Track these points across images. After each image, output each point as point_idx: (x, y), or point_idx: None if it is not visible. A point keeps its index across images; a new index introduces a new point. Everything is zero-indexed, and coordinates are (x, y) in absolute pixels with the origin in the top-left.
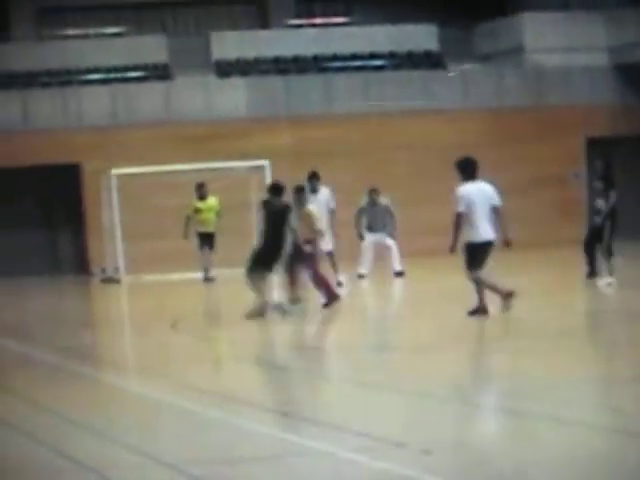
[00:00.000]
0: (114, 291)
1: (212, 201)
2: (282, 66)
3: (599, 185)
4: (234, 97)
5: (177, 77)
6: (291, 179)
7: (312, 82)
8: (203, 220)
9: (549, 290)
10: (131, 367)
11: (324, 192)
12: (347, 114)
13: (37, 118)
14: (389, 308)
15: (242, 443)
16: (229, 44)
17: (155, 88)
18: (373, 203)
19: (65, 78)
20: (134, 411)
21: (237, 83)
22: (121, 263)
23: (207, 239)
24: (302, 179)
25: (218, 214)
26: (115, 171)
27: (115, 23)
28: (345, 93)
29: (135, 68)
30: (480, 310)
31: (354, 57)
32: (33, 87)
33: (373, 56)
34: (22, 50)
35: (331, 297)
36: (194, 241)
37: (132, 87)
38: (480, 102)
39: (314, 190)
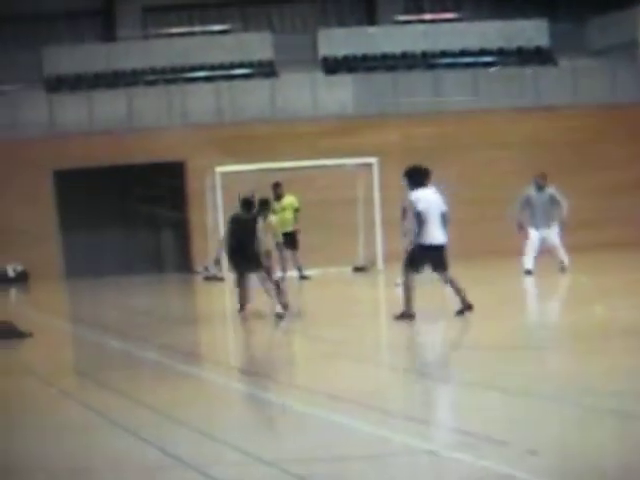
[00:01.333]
0: (217, 289)
1: (289, 200)
2: (390, 63)
3: None
4: (341, 94)
5: (283, 74)
6: (398, 177)
7: (420, 79)
8: (280, 220)
9: None
10: (234, 365)
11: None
12: (456, 111)
13: (142, 116)
14: (500, 304)
15: (345, 442)
16: (336, 41)
17: (261, 85)
18: (540, 190)
19: (170, 76)
20: (236, 409)
21: (344, 80)
22: (224, 261)
23: (286, 239)
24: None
25: (296, 212)
26: (220, 169)
27: (220, 20)
28: (454, 90)
29: (240, 65)
30: (465, 308)
31: (463, 53)
32: (138, 85)
33: (483, 52)
34: (127, 49)
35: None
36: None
37: (237, 84)
38: (592, 98)
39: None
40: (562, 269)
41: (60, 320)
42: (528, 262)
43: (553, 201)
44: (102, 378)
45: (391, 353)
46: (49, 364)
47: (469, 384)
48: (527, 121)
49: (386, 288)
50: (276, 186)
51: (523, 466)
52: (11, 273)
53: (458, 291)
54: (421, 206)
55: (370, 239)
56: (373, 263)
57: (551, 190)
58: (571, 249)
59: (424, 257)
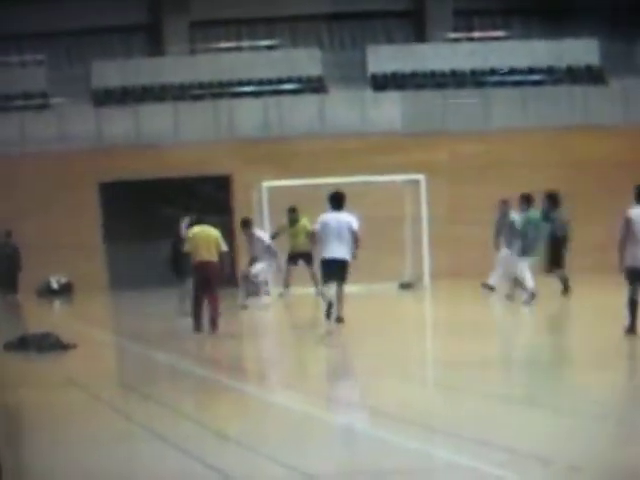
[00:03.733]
0: (260, 304)
1: (302, 223)
2: (439, 80)
3: None
4: (390, 111)
5: (332, 90)
6: (446, 194)
7: (469, 96)
8: (295, 244)
9: None
10: (275, 379)
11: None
12: (505, 129)
13: (188, 130)
14: (534, 324)
15: (386, 456)
16: (385, 57)
17: (309, 101)
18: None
19: (217, 90)
20: (279, 423)
21: (393, 97)
22: (270, 277)
23: (302, 258)
24: (457, 193)
25: (308, 234)
26: (266, 183)
27: (269, 36)
28: (503, 108)
29: (289, 81)
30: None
31: (512, 72)
32: (185, 99)
33: (532, 71)
34: (175, 63)
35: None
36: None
37: (285, 100)
38: None
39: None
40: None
41: (104, 332)
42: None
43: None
44: (146, 390)
45: (434, 369)
46: (93, 376)
47: (511, 400)
48: (576, 140)
49: (432, 304)
50: (291, 211)
51: None
52: (55, 285)
53: (339, 302)
54: (317, 227)
55: (417, 256)
56: (420, 279)
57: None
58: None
59: (325, 269)
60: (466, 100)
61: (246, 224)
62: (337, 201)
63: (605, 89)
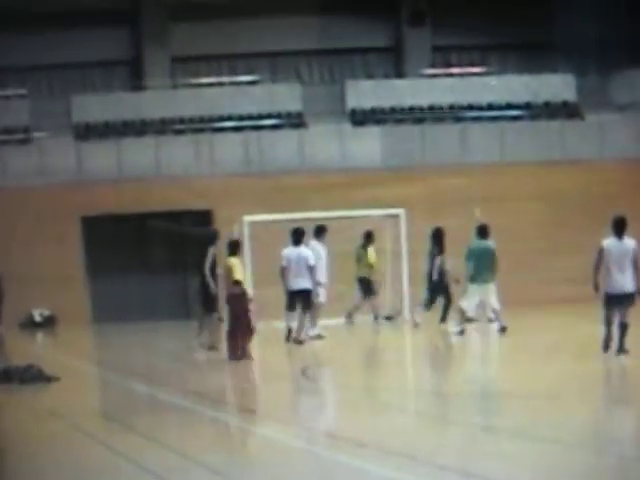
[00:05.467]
0: None
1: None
2: (417, 115)
3: None
4: (369, 146)
5: (311, 125)
6: (424, 228)
7: (447, 131)
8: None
9: None
10: (256, 410)
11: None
12: (483, 164)
13: (170, 165)
14: (515, 355)
15: None
16: (364, 93)
17: (289, 136)
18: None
19: (198, 125)
20: (262, 455)
21: (372, 132)
22: (252, 308)
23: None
24: (434, 227)
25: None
26: (248, 218)
27: (249, 71)
28: (480, 143)
29: (269, 116)
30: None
31: (490, 107)
32: (166, 134)
33: (510, 106)
34: (156, 98)
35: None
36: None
37: (266, 135)
38: (618, 153)
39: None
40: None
41: (87, 364)
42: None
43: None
44: (129, 422)
45: (414, 399)
46: (76, 408)
47: (496, 431)
48: (554, 174)
49: (412, 336)
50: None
51: None
52: (37, 318)
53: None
54: (283, 262)
55: (397, 289)
56: (400, 312)
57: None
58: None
59: (290, 299)
60: (445, 135)
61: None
62: (297, 236)
63: (582, 124)
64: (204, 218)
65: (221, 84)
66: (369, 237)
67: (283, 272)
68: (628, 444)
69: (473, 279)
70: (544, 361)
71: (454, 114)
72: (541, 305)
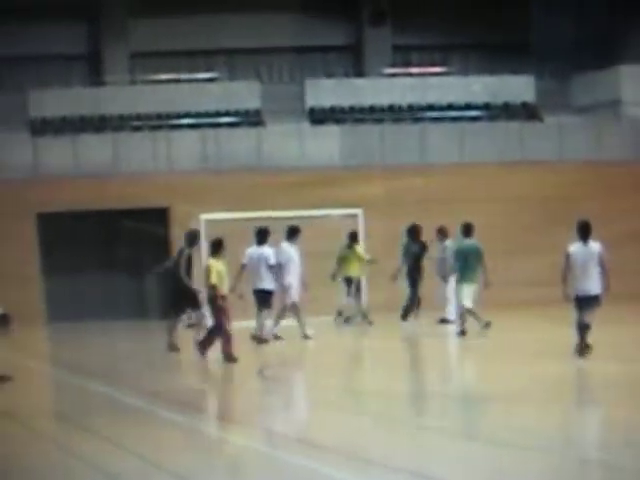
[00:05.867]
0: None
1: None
2: (377, 115)
3: None
4: (328, 145)
5: (270, 124)
6: (383, 227)
7: (407, 131)
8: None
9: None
10: (212, 411)
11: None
12: (442, 164)
13: (127, 161)
14: (471, 357)
15: None
16: (324, 92)
17: (247, 134)
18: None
19: (156, 122)
20: (217, 456)
21: (331, 131)
22: (208, 309)
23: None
24: (395, 228)
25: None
26: (204, 216)
27: (208, 68)
28: (440, 143)
29: (227, 114)
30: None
31: (450, 107)
32: (124, 130)
33: (469, 107)
34: (114, 94)
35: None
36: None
37: (223, 132)
38: (576, 154)
39: (293, 243)
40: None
41: (42, 364)
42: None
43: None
44: (84, 423)
45: (369, 400)
46: (30, 408)
47: (446, 432)
48: (512, 176)
49: (366, 337)
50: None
51: None
52: None
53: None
54: (243, 260)
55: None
56: (356, 313)
57: (450, 243)
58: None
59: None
60: (404, 135)
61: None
62: (261, 236)
63: (540, 126)
64: (162, 215)
65: (180, 81)
66: (354, 237)
67: (242, 269)
68: (583, 446)
69: (461, 279)
70: (502, 363)
71: (413, 114)
72: (499, 307)
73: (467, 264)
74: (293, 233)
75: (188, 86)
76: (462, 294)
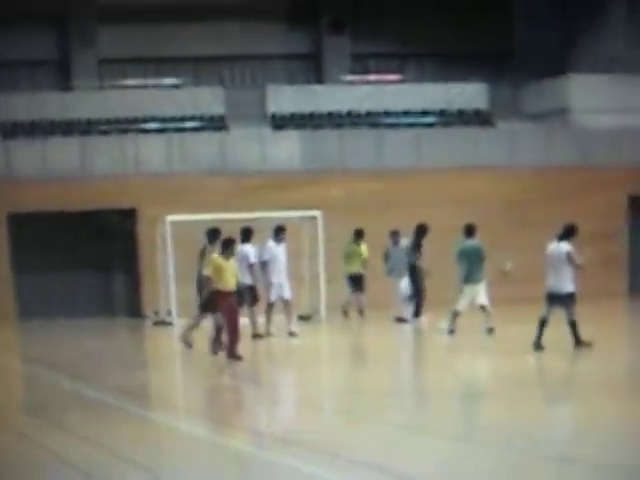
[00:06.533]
0: (166, 334)
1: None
2: (336, 121)
3: None
4: (289, 149)
5: (233, 128)
6: (342, 230)
7: (365, 137)
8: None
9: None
10: (181, 407)
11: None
12: (399, 168)
13: (95, 164)
14: (430, 355)
15: None
16: (285, 98)
17: (211, 138)
18: (395, 244)
19: (123, 126)
20: (185, 450)
21: (291, 136)
22: (174, 307)
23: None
24: (352, 230)
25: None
26: (170, 217)
27: (173, 75)
28: (396, 148)
29: (192, 118)
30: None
31: (406, 114)
32: (92, 134)
33: (424, 113)
34: (83, 99)
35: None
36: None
37: (188, 136)
38: (527, 160)
39: (279, 242)
40: (398, 319)
41: (12, 360)
42: (404, 311)
43: (405, 253)
44: (55, 418)
45: (332, 397)
46: (1, 403)
47: (412, 428)
48: (467, 179)
49: (329, 335)
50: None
51: None
52: None
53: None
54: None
55: (314, 289)
56: (317, 312)
57: (405, 242)
58: (504, 301)
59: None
60: (362, 140)
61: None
62: (244, 235)
63: (493, 131)
64: (129, 216)
65: (146, 87)
66: (360, 234)
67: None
68: (541, 441)
69: (467, 279)
70: (467, 360)
71: (371, 120)
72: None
73: (471, 264)
74: (278, 232)
75: (154, 92)
76: (468, 294)
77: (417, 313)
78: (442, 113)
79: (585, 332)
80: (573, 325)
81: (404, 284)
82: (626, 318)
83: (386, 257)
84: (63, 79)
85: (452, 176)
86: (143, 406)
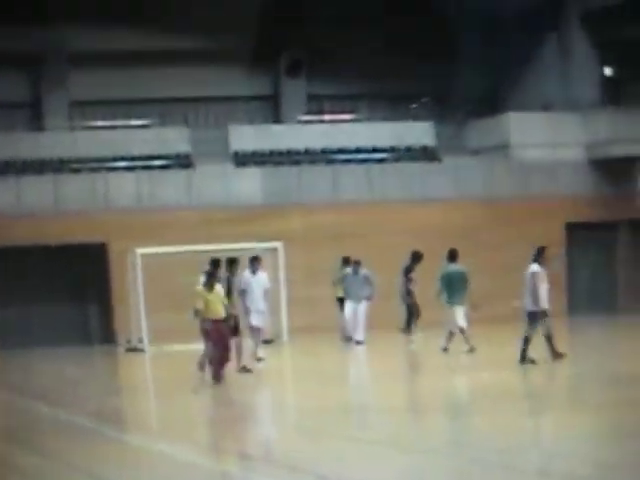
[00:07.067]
0: (139, 360)
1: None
2: (294, 158)
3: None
4: (250, 185)
5: (198, 166)
6: (301, 259)
7: (321, 172)
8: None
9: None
10: (155, 429)
11: (262, 275)
12: (353, 202)
13: (67, 201)
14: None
15: None
16: (246, 137)
17: (177, 175)
18: (355, 272)
19: (94, 165)
20: (158, 470)
21: (253, 172)
22: (145, 334)
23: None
24: (311, 259)
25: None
26: (140, 250)
27: (141, 116)
28: (350, 183)
29: (159, 157)
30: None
31: (358, 150)
32: (64, 172)
33: (376, 150)
34: (54, 139)
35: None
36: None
37: (156, 174)
38: (471, 192)
39: (254, 272)
40: (354, 341)
41: None
42: (356, 333)
43: (365, 281)
44: (31, 441)
45: (297, 415)
46: None
47: (370, 442)
48: (416, 210)
49: (290, 358)
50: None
51: None
52: None
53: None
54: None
55: (276, 315)
56: (278, 336)
57: (364, 272)
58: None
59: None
60: (318, 175)
61: None
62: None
63: (440, 166)
64: (100, 250)
65: (115, 127)
66: (347, 261)
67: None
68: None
69: (450, 301)
70: (413, 377)
71: (326, 157)
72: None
73: (453, 288)
74: (253, 262)
75: (123, 132)
76: (453, 315)
77: (408, 331)
78: (392, 149)
79: (531, 349)
80: (548, 339)
81: (362, 308)
82: (567, 336)
83: (338, 282)
84: (36, 120)
85: (403, 208)
86: (119, 429)
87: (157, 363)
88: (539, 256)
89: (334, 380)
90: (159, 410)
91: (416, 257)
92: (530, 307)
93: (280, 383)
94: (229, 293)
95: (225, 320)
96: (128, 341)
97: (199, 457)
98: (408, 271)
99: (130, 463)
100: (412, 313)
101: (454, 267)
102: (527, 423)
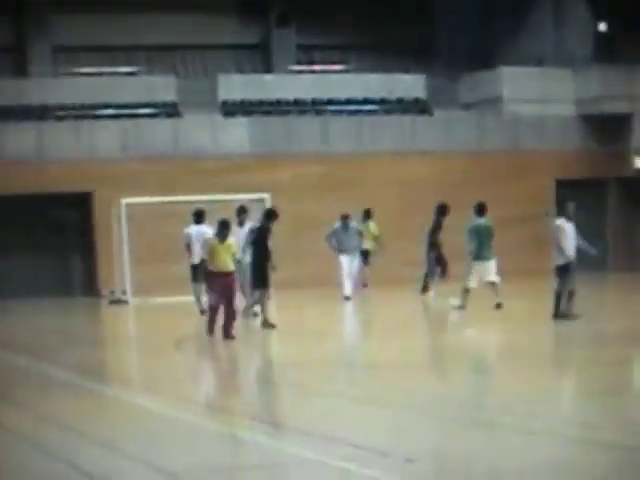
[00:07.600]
0: (122, 312)
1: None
2: (283, 108)
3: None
4: (238, 135)
5: (185, 115)
6: (290, 210)
7: (310, 123)
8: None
9: (520, 316)
10: (136, 383)
11: (248, 227)
12: (342, 153)
13: (51, 149)
14: (372, 329)
15: (238, 452)
16: (234, 86)
17: (164, 124)
18: (345, 227)
19: (79, 112)
20: (139, 423)
21: (241, 122)
22: (129, 286)
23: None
24: (299, 210)
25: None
26: (125, 200)
27: (128, 63)
28: (340, 134)
29: (146, 105)
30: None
31: (349, 102)
32: (48, 120)
33: (366, 101)
34: (38, 85)
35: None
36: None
37: (142, 122)
38: (462, 145)
39: (241, 224)
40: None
41: None
42: (347, 289)
43: (356, 233)
44: (9, 394)
45: (280, 370)
46: None
47: (354, 399)
48: (406, 163)
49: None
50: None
51: (402, 473)
52: None
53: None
54: (185, 239)
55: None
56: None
57: (354, 224)
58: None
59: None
60: (307, 126)
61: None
62: (197, 217)
63: (430, 119)
64: (85, 199)
65: (101, 74)
66: (368, 213)
67: (187, 248)
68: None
69: (477, 257)
70: (402, 334)
71: (316, 107)
72: (390, 285)
73: (482, 242)
74: (240, 213)
75: (109, 79)
76: (478, 271)
77: (425, 289)
78: (383, 101)
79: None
80: (557, 296)
81: (355, 262)
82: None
83: (331, 237)
84: (19, 66)
85: (392, 160)
86: (99, 382)
87: (141, 315)
88: (564, 210)
89: (323, 336)
90: (142, 363)
91: (442, 209)
92: (558, 261)
93: (269, 338)
94: None
95: (232, 274)
96: (112, 292)
97: (177, 411)
98: (437, 225)
99: (110, 416)
100: (432, 270)
101: (482, 220)
102: (516, 382)
